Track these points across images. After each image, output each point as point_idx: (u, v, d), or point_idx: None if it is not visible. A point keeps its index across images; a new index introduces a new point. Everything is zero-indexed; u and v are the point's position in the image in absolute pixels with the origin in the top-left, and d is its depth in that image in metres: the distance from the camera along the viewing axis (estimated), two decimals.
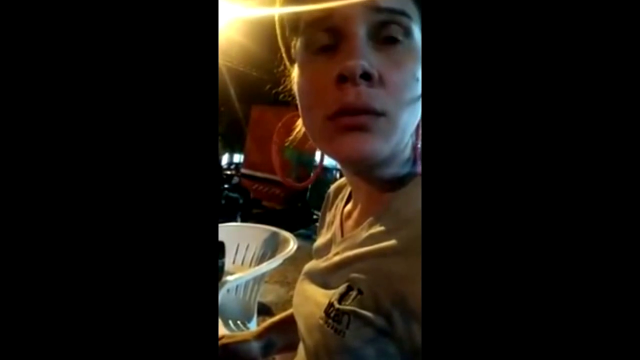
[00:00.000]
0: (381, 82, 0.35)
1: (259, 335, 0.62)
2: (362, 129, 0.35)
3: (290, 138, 0.50)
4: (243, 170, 7.02)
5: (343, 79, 0.34)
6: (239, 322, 1.73)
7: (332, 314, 0.37)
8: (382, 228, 0.39)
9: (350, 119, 0.35)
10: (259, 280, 1.84)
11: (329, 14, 0.35)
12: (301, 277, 0.50)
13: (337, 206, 0.54)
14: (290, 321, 0.54)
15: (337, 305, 0.37)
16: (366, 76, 0.34)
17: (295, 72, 0.41)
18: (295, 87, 0.41)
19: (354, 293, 0.37)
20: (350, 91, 0.34)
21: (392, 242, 0.36)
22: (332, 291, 0.39)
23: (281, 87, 0.48)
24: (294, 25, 0.39)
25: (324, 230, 0.54)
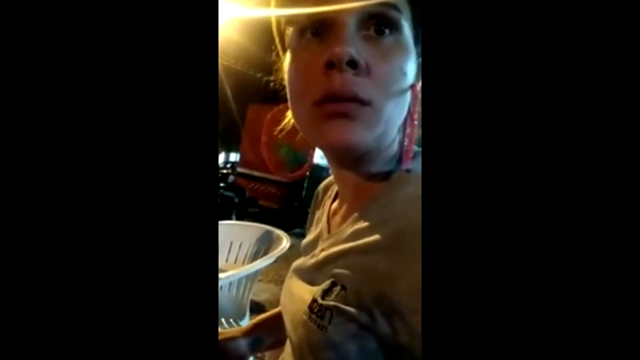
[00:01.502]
0: (368, 71, 0.35)
1: (248, 332, 0.62)
2: (346, 116, 0.35)
3: (279, 127, 0.51)
4: (239, 169, 6.99)
5: (330, 65, 0.35)
6: (231, 320, 1.72)
7: (315, 309, 0.37)
8: (366, 224, 0.39)
9: (336, 105, 0.35)
10: (251, 278, 1.84)
11: (320, 2, 0.36)
12: (289, 274, 0.50)
13: (324, 204, 0.54)
14: (279, 318, 0.55)
15: (320, 301, 0.37)
16: (353, 64, 0.34)
17: (286, 61, 0.41)
18: (285, 75, 0.41)
19: (337, 289, 0.37)
20: (337, 78, 0.35)
21: (375, 238, 0.37)
22: (317, 287, 0.39)
23: (272, 77, 0.49)
24: (289, 14, 0.39)
25: (312, 227, 0.55)
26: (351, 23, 0.36)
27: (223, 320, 1.70)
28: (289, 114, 0.46)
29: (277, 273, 3.04)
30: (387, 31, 0.36)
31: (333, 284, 0.38)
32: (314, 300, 0.38)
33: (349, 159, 0.41)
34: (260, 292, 2.79)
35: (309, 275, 0.44)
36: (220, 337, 0.61)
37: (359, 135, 0.36)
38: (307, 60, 0.37)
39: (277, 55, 0.46)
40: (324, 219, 0.50)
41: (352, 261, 0.38)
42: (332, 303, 0.36)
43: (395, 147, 0.41)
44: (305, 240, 0.53)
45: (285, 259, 1.90)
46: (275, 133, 0.52)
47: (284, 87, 0.43)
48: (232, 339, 0.61)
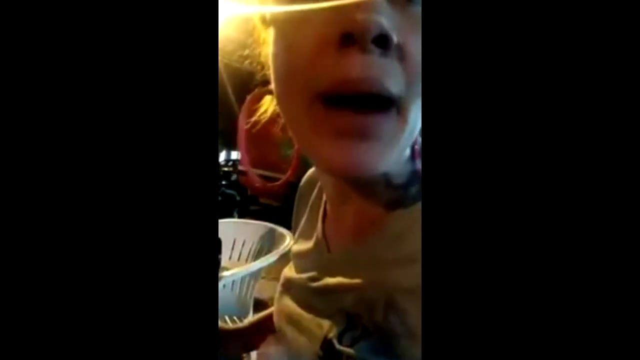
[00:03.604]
0: (399, 52, 0.25)
1: (250, 328, 0.62)
2: (368, 135, 0.26)
3: (252, 119, 0.39)
4: (240, 167, 6.98)
5: (348, 40, 0.24)
6: (235, 317, 1.73)
7: (330, 354, 0.32)
8: (384, 255, 0.32)
9: (349, 117, 0.25)
10: (255, 276, 1.84)
11: None
12: (281, 289, 0.44)
13: (312, 207, 0.46)
14: None
15: (337, 346, 0.31)
16: (382, 41, 0.24)
17: (271, 35, 0.30)
18: (270, 55, 0.30)
19: (356, 332, 0.31)
20: (357, 60, 0.24)
21: (402, 277, 0.30)
22: (326, 322, 0.33)
23: (246, 52, 0.38)
24: None
25: (302, 233, 0.47)
26: None
27: (227, 318, 1.71)
28: (266, 100, 0.36)
29: (279, 271, 3.00)
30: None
31: (350, 324, 0.31)
32: (328, 342, 0.32)
33: (357, 181, 0.32)
34: (263, 290, 2.79)
35: (311, 301, 0.38)
36: (222, 332, 0.60)
37: (377, 158, 0.27)
38: (307, 32, 0.26)
39: (255, 27, 0.34)
40: (319, 231, 0.41)
41: (376, 298, 0.30)
42: (353, 353, 0.30)
43: (408, 149, 0.33)
44: (296, 248, 0.46)
45: (288, 257, 1.89)
46: (248, 127, 0.40)
47: (263, 68, 0.33)
48: (234, 334, 0.61)
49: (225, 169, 6.76)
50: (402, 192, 0.33)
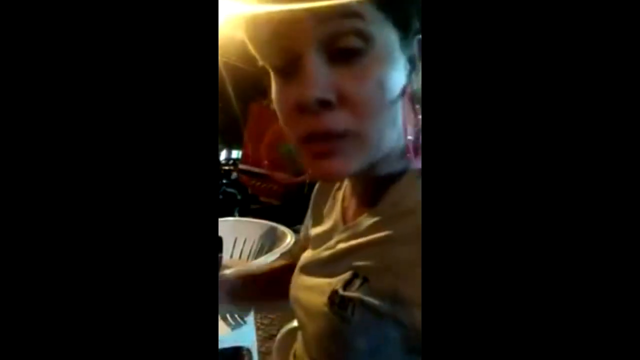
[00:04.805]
0: (343, 101, 0.33)
1: (264, 275, 0.65)
2: (333, 154, 0.35)
3: (274, 130, 0.49)
4: (241, 166, 6.98)
5: (301, 109, 0.34)
6: (236, 315, 1.73)
7: (336, 301, 0.37)
8: (384, 217, 0.39)
9: (320, 145, 0.35)
10: None
11: (277, 34, 0.33)
12: (298, 269, 0.50)
13: (334, 195, 0.54)
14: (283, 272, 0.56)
15: (341, 292, 0.37)
16: (324, 103, 0.33)
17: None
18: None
19: (358, 280, 0.37)
20: (311, 120, 0.34)
21: (396, 230, 0.37)
22: (336, 279, 0.40)
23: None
24: (257, 45, 0.37)
25: (321, 218, 0.54)
26: (313, 51, 0.33)
27: (228, 315, 1.71)
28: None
29: None
30: (356, 47, 0.33)
31: (354, 276, 0.38)
32: (335, 292, 0.38)
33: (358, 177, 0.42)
34: None
35: (324, 267, 0.44)
36: (234, 274, 0.64)
37: (349, 167, 0.36)
38: (279, 99, 0.37)
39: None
40: (338, 210, 0.50)
41: (374, 253, 0.38)
42: (355, 295, 0.36)
43: (401, 145, 0.39)
44: (315, 232, 0.52)
45: (290, 254, 1.89)
46: (274, 136, 0.50)
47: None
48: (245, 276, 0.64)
49: (226, 167, 6.76)
50: (395, 177, 0.41)
